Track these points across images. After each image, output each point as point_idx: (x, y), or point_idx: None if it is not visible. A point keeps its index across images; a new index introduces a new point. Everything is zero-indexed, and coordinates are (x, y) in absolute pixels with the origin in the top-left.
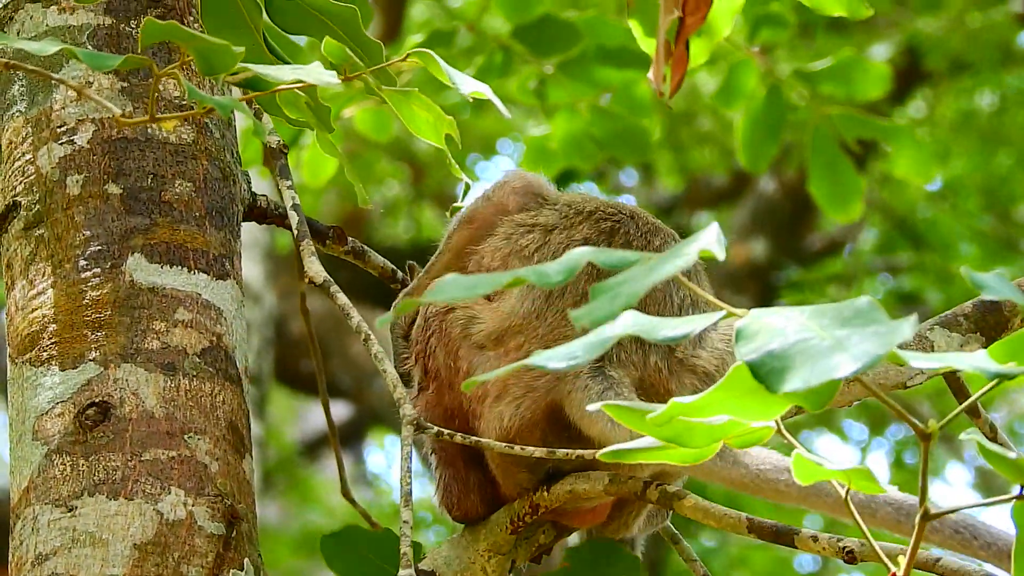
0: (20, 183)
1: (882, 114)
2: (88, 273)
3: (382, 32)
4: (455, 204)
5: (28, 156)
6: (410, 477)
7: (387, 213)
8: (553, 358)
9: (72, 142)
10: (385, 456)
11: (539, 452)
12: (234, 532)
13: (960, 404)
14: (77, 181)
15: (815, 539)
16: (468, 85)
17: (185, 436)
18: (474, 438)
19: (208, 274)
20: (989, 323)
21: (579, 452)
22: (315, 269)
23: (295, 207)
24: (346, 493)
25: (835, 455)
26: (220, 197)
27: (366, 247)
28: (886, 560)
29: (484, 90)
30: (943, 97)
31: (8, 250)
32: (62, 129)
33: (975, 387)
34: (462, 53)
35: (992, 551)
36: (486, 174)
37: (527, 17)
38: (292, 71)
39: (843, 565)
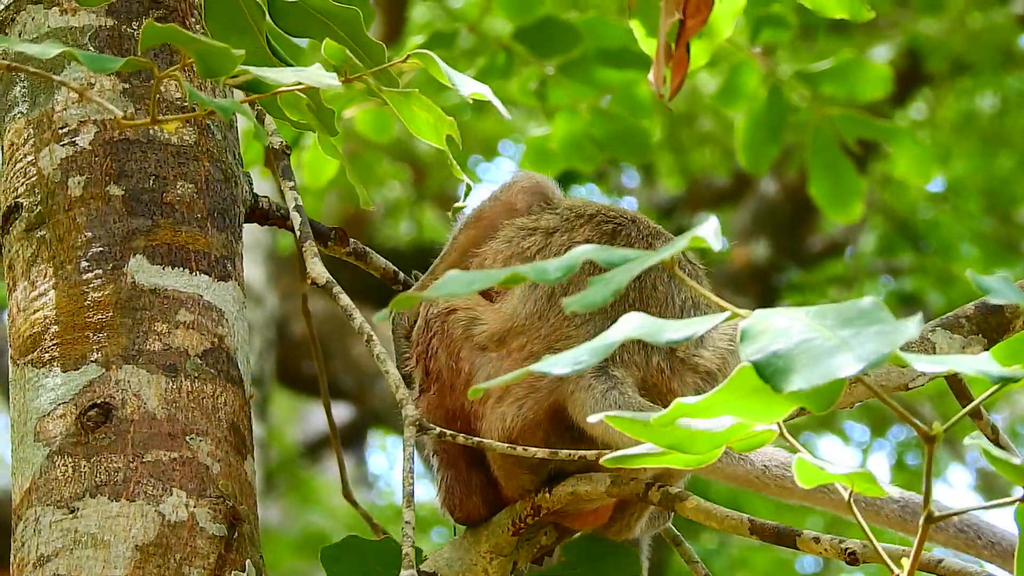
0: (22, 184)
1: (883, 116)
2: (90, 274)
3: (383, 33)
4: (457, 205)
5: (30, 157)
6: (412, 478)
7: (389, 214)
8: (558, 364)
9: (74, 143)
10: (387, 457)
11: (541, 453)
12: (236, 533)
13: (962, 406)
14: (79, 182)
15: (817, 540)
16: (468, 87)
17: (187, 437)
18: (476, 439)
19: (210, 275)
20: (991, 325)
21: (581, 453)
22: (317, 270)
23: (297, 208)
24: (347, 494)
25: (837, 457)
26: (222, 198)
27: (368, 248)
28: (888, 562)
29: (484, 91)
30: (944, 99)
31: (10, 251)
32: (64, 130)
33: (977, 389)
34: (463, 54)
35: (996, 551)
36: (487, 175)
37: (528, 18)
38: (293, 73)
39: (845, 567)
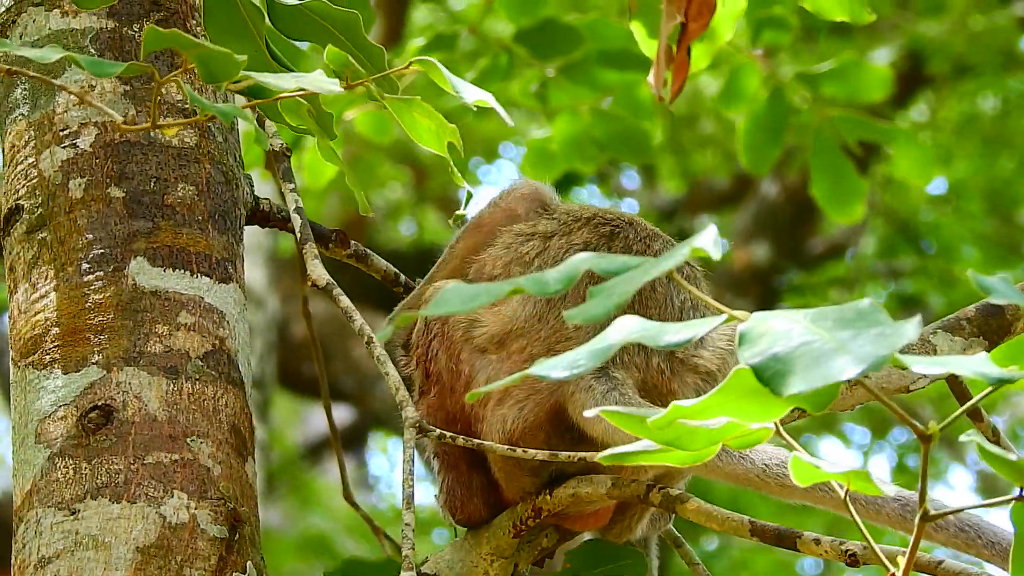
0: (23, 186)
1: (885, 117)
2: (91, 276)
3: (384, 35)
4: (458, 212)
5: (31, 159)
6: (412, 480)
7: (389, 216)
8: (557, 367)
9: (75, 145)
10: (387, 459)
11: (541, 455)
12: (237, 535)
13: (961, 406)
14: (80, 184)
15: (817, 542)
16: (471, 93)
17: (188, 439)
18: (476, 441)
19: (211, 278)
20: (992, 327)
21: (580, 455)
22: (318, 272)
23: (298, 210)
24: (348, 496)
25: (838, 458)
26: (223, 201)
27: (368, 250)
28: (886, 561)
29: (487, 98)
30: (946, 101)
31: (11, 253)
32: (65, 132)
33: (977, 391)
34: (464, 56)
35: (996, 550)
36: (488, 178)
37: (530, 20)
38: (294, 79)
39: (846, 568)
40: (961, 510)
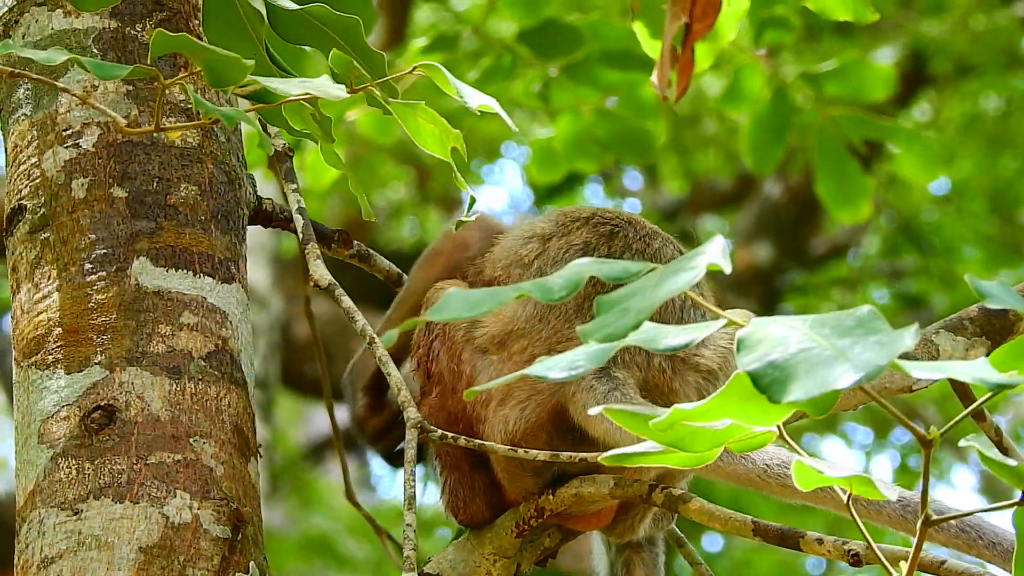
0: (25, 186)
1: (887, 117)
2: (93, 276)
3: (386, 36)
4: (460, 219)
5: (33, 159)
6: (414, 480)
7: (392, 216)
8: (555, 368)
9: (77, 145)
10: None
11: (542, 455)
12: (239, 535)
13: (965, 407)
14: (82, 184)
15: (820, 542)
16: (476, 99)
17: (190, 439)
18: (477, 441)
19: (213, 278)
20: (994, 327)
21: (582, 455)
22: (320, 272)
23: (300, 210)
24: (350, 496)
25: (839, 458)
26: (225, 201)
27: (371, 250)
28: (887, 564)
29: (492, 104)
30: (948, 100)
31: (14, 253)
32: (67, 132)
33: (980, 392)
34: (467, 56)
35: (997, 551)
36: (491, 178)
37: (533, 20)
38: (300, 84)
39: (848, 568)
40: (962, 515)
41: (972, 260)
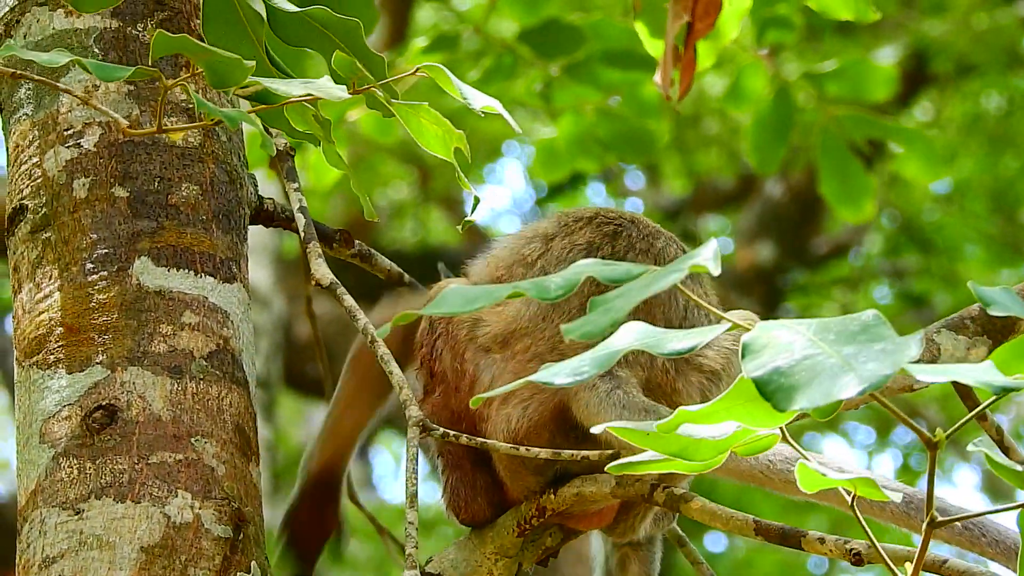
0: (27, 186)
1: (889, 117)
2: (95, 276)
3: (388, 35)
4: (466, 219)
5: (35, 159)
6: (416, 478)
7: (394, 216)
8: (559, 374)
9: (79, 145)
10: (392, 459)
11: (544, 453)
12: (241, 535)
13: (967, 407)
14: (84, 184)
15: (822, 541)
16: (479, 100)
17: (192, 439)
18: (480, 439)
19: (215, 277)
20: (996, 326)
21: (585, 453)
22: (322, 271)
23: (302, 209)
24: (352, 496)
25: (842, 458)
26: (227, 200)
27: (372, 250)
28: (891, 564)
29: (495, 105)
30: (950, 100)
31: (15, 253)
32: (69, 132)
33: (982, 393)
34: (468, 56)
35: (1000, 549)
36: (492, 177)
37: (534, 19)
38: (302, 85)
39: (849, 568)
40: (967, 517)
41: (974, 259)
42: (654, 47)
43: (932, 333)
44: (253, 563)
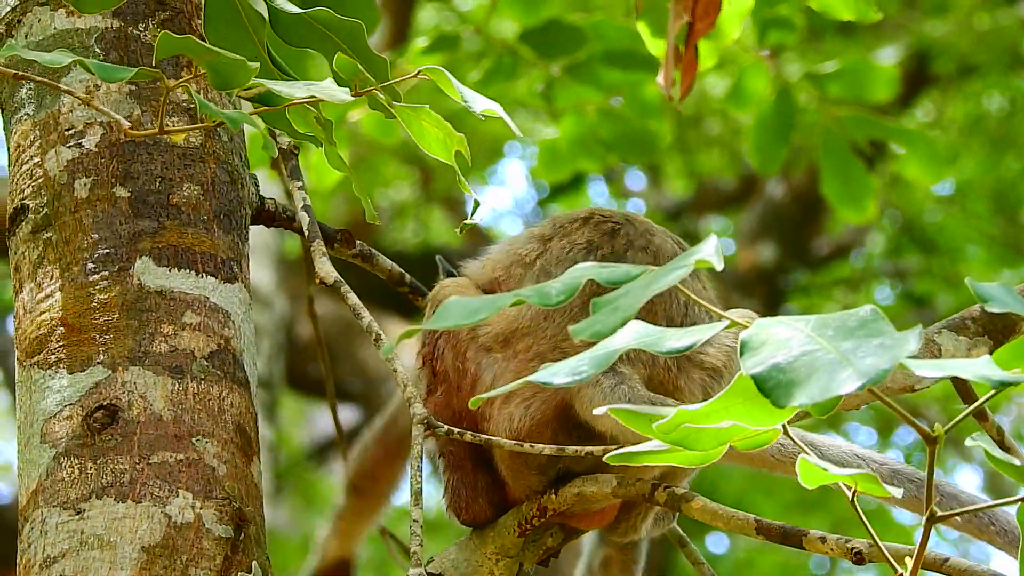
0: (28, 186)
1: (891, 117)
2: (96, 276)
3: (390, 36)
4: (465, 222)
5: (36, 159)
6: (420, 476)
7: (395, 216)
8: (559, 373)
9: (80, 145)
10: None
11: (547, 449)
12: (242, 535)
13: (968, 408)
14: (85, 184)
15: (823, 540)
16: (480, 103)
17: (193, 439)
18: (484, 436)
19: (216, 277)
20: (997, 326)
21: (587, 449)
22: (326, 269)
23: (305, 208)
24: None
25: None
26: (228, 200)
27: (374, 250)
28: (892, 561)
29: (496, 108)
30: (951, 101)
31: (16, 253)
32: (70, 132)
33: (982, 392)
34: (469, 56)
35: (1008, 538)
36: (494, 178)
37: (535, 19)
38: (305, 87)
39: (852, 568)
40: (967, 511)
41: (975, 260)
42: (656, 47)
43: (933, 334)
44: (254, 563)
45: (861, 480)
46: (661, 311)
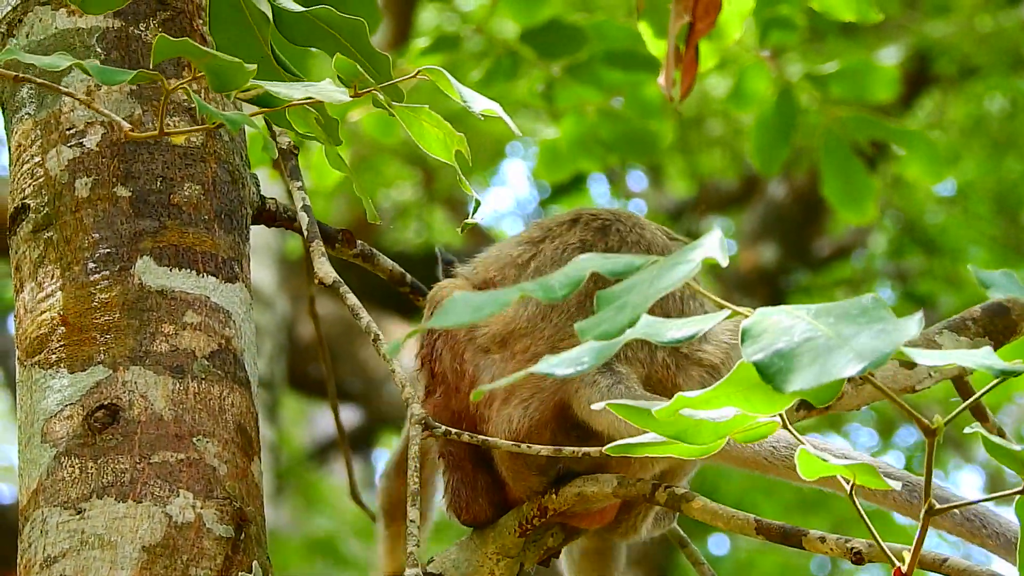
0: (29, 185)
1: (892, 118)
2: (97, 276)
3: (391, 36)
4: (466, 221)
5: (37, 159)
6: (418, 476)
7: (397, 217)
8: (559, 365)
9: (81, 144)
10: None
11: (545, 450)
12: (243, 535)
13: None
14: (86, 184)
15: (823, 540)
16: (480, 103)
17: (194, 439)
18: (482, 437)
19: (217, 277)
20: (997, 327)
21: (586, 449)
22: (325, 270)
23: (305, 208)
24: (355, 497)
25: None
26: (229, 200)
27: (375, 250)
28: (892, 558)
29: (495, 108)
30: (953, 102)
31: (17, 252)
32: (71, 131)
33: (983, 384)
34: (470, 56)
35: (1001, 541)
36: (496, 178)
37: (535, 20)
38: (303, 88)
39: (853, 568)
40: (966, 504)
41: (977, 261)
42: (657, 48)
43: (934, 334)
44: (255, 563)
45: (860, 472)
46: (658, 306)
